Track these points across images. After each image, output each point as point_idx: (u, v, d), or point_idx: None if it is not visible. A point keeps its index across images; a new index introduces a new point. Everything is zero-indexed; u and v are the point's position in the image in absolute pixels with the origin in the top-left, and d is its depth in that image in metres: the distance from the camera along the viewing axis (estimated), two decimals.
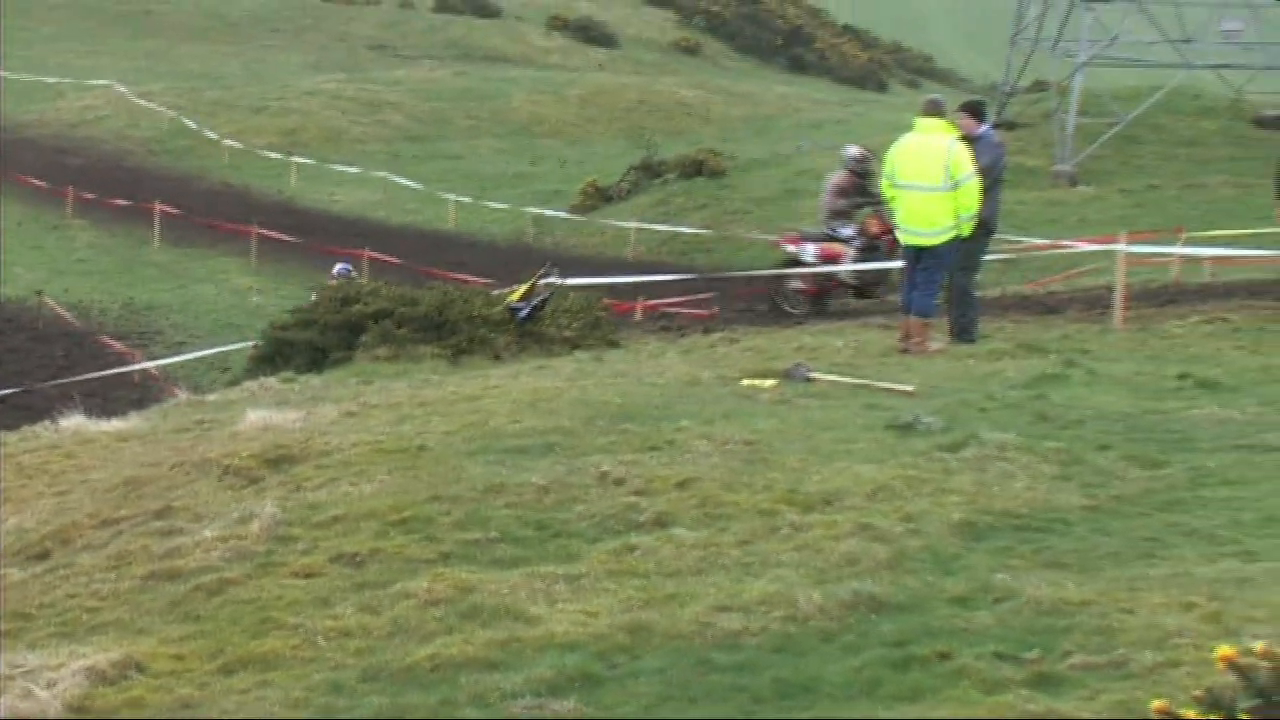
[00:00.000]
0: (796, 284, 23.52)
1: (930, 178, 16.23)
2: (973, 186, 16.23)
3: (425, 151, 54.66)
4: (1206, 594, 7.54)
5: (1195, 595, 7.52)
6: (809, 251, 23.33)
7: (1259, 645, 4.02)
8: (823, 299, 23.48)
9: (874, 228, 23.06)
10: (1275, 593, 7.50)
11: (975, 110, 17.90)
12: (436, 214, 44.56)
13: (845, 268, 23.03)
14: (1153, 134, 50.31)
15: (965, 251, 16.74)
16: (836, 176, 24.03)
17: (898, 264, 19.13)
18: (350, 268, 27.67)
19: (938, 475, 10.08)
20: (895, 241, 19.65)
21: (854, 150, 24.22)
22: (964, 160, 16.22)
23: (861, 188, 23.58)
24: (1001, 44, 57.59)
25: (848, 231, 23.38)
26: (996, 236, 20.46)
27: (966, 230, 16.48)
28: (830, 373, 14.30)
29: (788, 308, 23.33)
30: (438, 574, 8.60)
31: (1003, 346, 16.11)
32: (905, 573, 8.21)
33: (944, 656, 7.00)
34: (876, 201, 21.61)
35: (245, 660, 7.79)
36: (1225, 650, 3.99)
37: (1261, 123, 50.37)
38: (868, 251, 23.04)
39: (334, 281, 24.19)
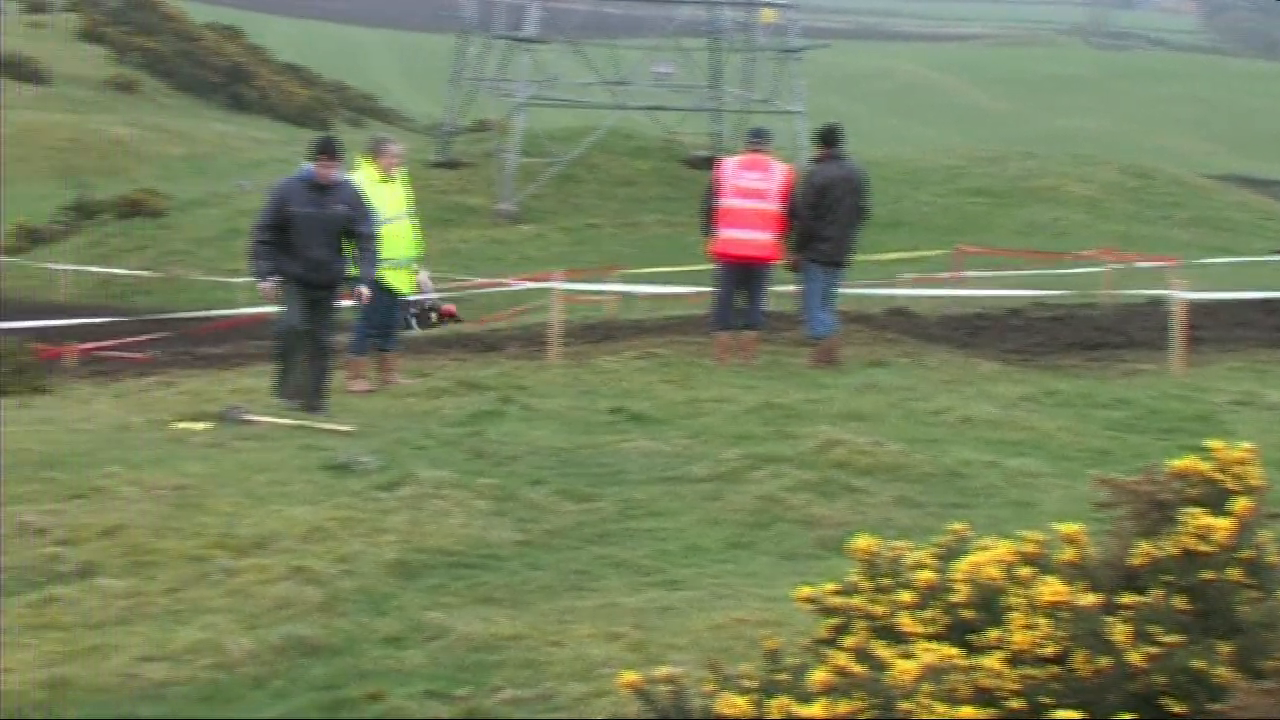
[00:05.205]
0: None
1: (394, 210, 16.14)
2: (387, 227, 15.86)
3: None
4: (632, 623, 7.71)
5: (621, 625, 7.68)
6: None
7: (661, 670, 4.11)
8: None
9: None
10: (695, 619, 7.73)
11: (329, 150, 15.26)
12: None
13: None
14: (590, 173, 51.79)
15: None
16: None
17: None
18: None
19: (373, 515, 10.02)
20: None
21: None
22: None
23: None
24: (443, 83, 58.27)
25: None
26: (443, 275, 20.05)
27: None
28: (267, 414, 14.10)
29: None
30: None
31: (442, 384, 16.17)
32: (338, 615, 8.11)
33: (375, 698, 6.92)
34: None
35: None
36: (629, 677, 4.09)
37: (692, 163, 52.49)
38: None
39: None
